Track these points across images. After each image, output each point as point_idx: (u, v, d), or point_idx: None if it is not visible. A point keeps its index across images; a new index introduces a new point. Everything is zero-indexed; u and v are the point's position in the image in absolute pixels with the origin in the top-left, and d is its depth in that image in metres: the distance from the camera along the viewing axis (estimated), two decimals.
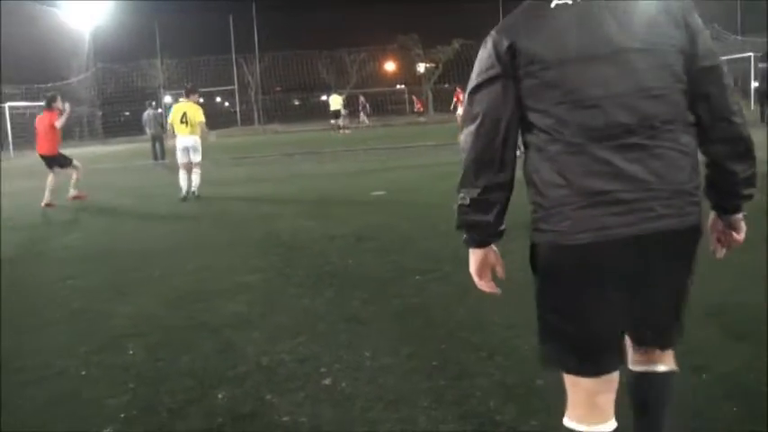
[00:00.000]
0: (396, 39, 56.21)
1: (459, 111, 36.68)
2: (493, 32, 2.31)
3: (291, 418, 3.70)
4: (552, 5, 2.24)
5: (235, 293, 6.16)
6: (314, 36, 51.94)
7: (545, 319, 2.36)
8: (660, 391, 2.56)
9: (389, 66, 60.82)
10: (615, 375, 2.33)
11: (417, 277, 6.27)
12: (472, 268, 2.45)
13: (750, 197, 2.39)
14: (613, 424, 2.32)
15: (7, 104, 39.40)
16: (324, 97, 31.60)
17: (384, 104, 55.35)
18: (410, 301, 5.64)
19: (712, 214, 2.47)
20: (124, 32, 51.67)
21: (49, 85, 44.69)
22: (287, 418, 3.70)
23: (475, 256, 2.43)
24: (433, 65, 55.99)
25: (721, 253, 2.52)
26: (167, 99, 45.82)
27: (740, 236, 2.48)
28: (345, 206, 10.99)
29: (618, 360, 2.35)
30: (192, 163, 13.20)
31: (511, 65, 2.22)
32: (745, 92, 31.15)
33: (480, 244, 2.41)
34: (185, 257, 7.82)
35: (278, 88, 57.84)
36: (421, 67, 56.59)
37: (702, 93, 2.27)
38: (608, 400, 2.33)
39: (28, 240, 9.68)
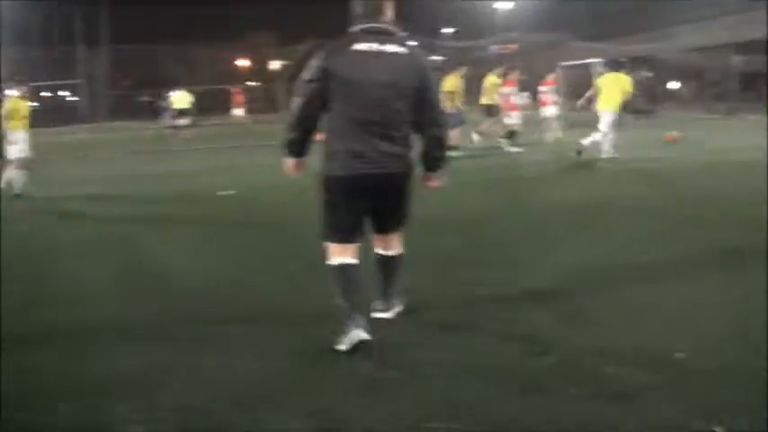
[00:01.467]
0: (251, 36, 55.49)
1: (235, 111, 35.93)
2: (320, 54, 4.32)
3: None
4: (351, 49, 4.25)
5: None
6: (167, 30, 50.39)
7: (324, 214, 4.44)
8: (391, 264, 4.72)
9: (243, 63, 59.74)
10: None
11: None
12: (287, 166, 4.58)
13: (439, 167, 4.62)
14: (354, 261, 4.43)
15: None
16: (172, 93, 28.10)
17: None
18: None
19: (421, 171, 4.60)
20: None
21: None
22: None
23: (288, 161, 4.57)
24: (291, 62, 55.50)
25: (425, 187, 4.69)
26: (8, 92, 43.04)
27: (435, 183, 4.71)
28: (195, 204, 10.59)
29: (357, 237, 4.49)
30: (20, 159, 12.31)
31: (324, 76, 4.25)
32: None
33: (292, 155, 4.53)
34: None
35: (127, 83, 55.79)
36: (276, 65, 56.01)
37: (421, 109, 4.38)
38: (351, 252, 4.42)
39: None
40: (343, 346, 4.25)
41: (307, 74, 4.30)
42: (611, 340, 4.41)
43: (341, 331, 4.30)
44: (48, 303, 5.69)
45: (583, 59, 33.04)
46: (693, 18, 41.19)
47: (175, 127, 26.86)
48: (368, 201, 4.39)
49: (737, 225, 7.57)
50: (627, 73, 14.99)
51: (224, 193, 11.71)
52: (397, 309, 4.88)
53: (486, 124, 18.00)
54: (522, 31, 49.08)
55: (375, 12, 4.33)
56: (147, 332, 4.91)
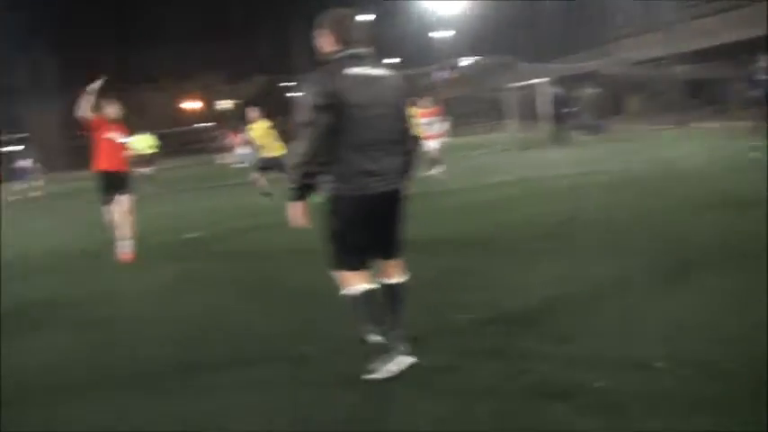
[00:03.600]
0: (197, 76, 55.33)
1: (239, 150, 35.11)
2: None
3: None
4: (348, 73, 4.25)
5: None
6: (111, 73, 49.96)
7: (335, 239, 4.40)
8: (400, 293, 4.59)
9: (191, 104, 59.33)
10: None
11: None
12: (294, 213, 4.35)
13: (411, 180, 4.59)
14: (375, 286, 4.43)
15: None
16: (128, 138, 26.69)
17: (187, 144, 53.44)
18: None
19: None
20: None
21: None
22: None
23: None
24: (239, 101, 55.40)
25: None
26: None
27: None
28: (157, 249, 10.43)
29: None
30: None
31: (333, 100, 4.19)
32: (533, 115, 32.78)
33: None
34: None
35: (78, 132, 55.02)
36: (226, 104, 55.86)
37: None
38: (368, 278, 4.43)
39: None
40: (379, 375, 4.28)
41: (313, 101, 4.19)
42: (592, 354, 4.46)
43: (377, 359, 4.32)
44: None
45: (531, 80, 33.47)
46: (633, 32, 42.17)
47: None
48: (379, 220, 4.43)
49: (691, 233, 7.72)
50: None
51: (190, 235, 11.60)
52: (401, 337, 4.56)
53: None
54: (468, 56, 49.65)
55: (356, 38, 4.41)
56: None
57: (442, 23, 54.04)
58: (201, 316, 6.41)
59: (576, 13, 48.35)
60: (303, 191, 4.28)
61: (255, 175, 15.81)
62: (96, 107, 9.68)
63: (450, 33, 55.20)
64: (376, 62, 4.45)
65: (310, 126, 4.17)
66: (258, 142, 15.63)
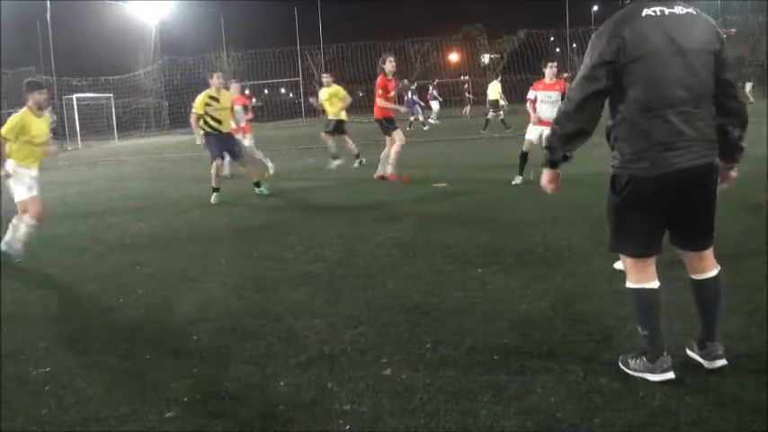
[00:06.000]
0: (460, 29, 55.69)
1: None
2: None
3: (352, 407, 3.68)
4: (642, 16, 3.56)
5: (298, 283, 6.18)
6: (377, 27, 51.86)
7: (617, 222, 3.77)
8: (713, 289, 3.85)
9: (453, 56, 59.95)
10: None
11: (479, 270, 6.21)
12: (547, 179, 3.91)
13: (741, 151, 3.82)
14: (656, 284, 3.76)
15: (75, 96, 40.32)
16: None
17: (449, 95, 54.39)
18: (472, 294, 5.57)
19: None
20: (189, 25, 52.37)
21: (116, 77, 45.74)
22: (347, 407, 3.69)
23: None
24: (498, 56, 55.32)
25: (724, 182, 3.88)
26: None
27: (734, 174, 3.91)
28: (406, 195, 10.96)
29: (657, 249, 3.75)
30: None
31: (618, 51, 3.55)
32: None
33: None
34: (250, 245, 7.89)
35: (341, 80, 57.62)
36: (485, 58, 55.90)
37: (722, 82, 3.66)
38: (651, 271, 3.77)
39: (95, 228, 9.88)
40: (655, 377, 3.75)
41: (595, 51, 3.62)
42: None
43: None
44: None
45: None
46: None
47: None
48: (678, 204, 3.69)
49: None
50: None
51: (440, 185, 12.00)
52: (720, 350, 3.87)
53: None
54: None
55: None
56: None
57: None
58: None
59: None
60: (559, 153, 3.79)
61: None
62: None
63: None
64: (676, 1, 3.66)
65: (584, 80, 3.65)
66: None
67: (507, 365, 4.09)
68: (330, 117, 15.50)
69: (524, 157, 11.43)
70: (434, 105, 36.18)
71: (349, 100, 15.66)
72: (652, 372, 3.75)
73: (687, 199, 3.66)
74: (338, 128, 15.58)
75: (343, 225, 8.75)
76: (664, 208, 3.66)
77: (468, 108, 41.43)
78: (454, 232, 7.91)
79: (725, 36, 3.74)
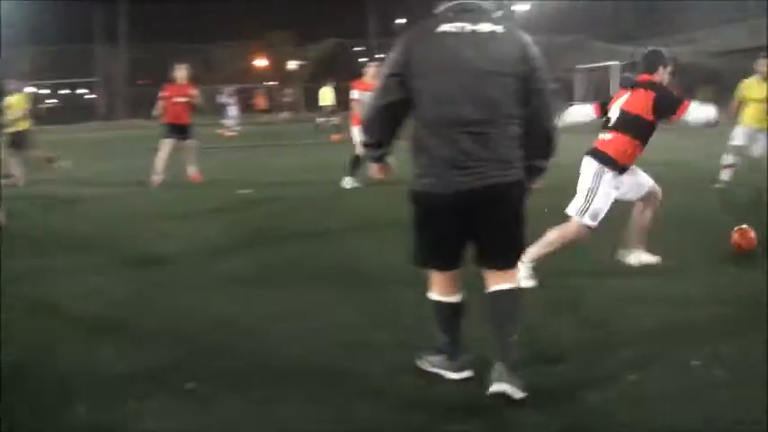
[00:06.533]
0: (267, 34, 55.14)
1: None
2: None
3: None
4: (437, 32, 3.52)
5: None
6: (183, 28, 50.45)
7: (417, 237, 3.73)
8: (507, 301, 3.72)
9: (260, 62, 59.30)
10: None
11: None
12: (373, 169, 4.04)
13: (543, 170, 3.79)
14: (458, 297, 3.80)
15: None
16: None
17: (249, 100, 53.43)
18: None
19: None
20: None
21: None
22: None
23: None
24: (305, 62, 55.18)
25: None
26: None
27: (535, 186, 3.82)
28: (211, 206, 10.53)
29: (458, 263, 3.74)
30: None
31: (405, 67, 3.55)
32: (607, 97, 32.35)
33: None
34: None
35: (144, 81, 55.66)
36: (293, 65, 55.68)
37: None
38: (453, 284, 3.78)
39: None
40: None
41: (386, 66, 3.65)
42: None
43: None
44: None
45: (602, 62, 32.96)
46: (713, 22, 41.03)
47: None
48: (472, 223, 3.62)
49: None
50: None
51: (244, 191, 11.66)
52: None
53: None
54: (540, 33, 48.70)
55: None
56: None
57: None
58: None
59: None
60: (378, 157, 3.89)
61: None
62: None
63: (525, 7, 53.85)
64: (486, 16, 3.57)
65: (375, 95, 3.69)
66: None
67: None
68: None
69: (356, 159, 11.29)
70: (231, 111, 35.52)
71: None
72: (450, 369, 3.84)
73: (483, 218, 3.60)
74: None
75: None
76: (457, 225, 3.61)
77: (285, 113, 41.04)
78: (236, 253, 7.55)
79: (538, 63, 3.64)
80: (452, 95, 3.46)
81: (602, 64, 33.42)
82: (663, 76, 5.85)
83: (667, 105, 5.64)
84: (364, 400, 3.73)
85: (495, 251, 3.70)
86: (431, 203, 3.60)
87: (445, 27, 3.52)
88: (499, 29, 3.53)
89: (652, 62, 5.90)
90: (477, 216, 3.59)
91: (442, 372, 3.86)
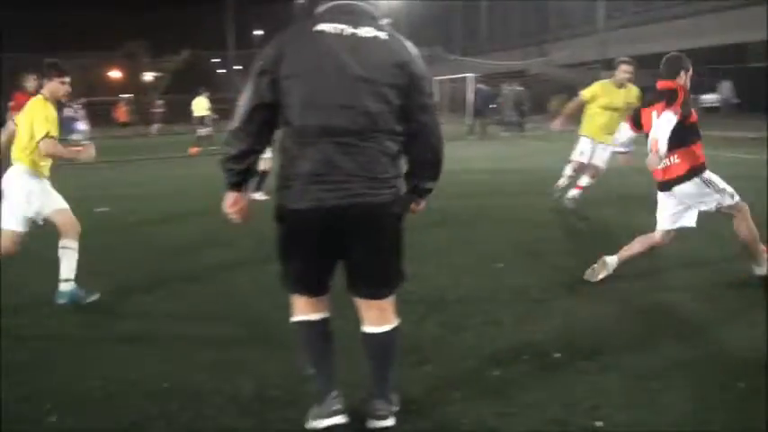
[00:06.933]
0: (122, 45, 53.52)
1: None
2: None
3: None
4: (313, 30, 3.19)
5: None
6: (33, 37, 48.23)
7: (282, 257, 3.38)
8: (383, 343, 3.46)
9: (115, 73, 57.33)
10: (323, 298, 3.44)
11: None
12: (229, 202, 3.38)
13: (428, 190, 3.50)
14: (324, 315, 3.46)
15: None
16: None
17: (107, 114, 51.48)
18: None
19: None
20: None
21: None
22: None
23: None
24: (161, 74, 53.79)
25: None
26: None
27: (418, 209, 3.54)
28: None
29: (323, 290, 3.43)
30: None
31: (276, 67, 3.18)
32: (461, 109, 33.23)
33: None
34: None
35: None
36: (149, 76, 54.17)
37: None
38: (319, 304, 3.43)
39: None
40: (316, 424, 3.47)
41: (256, 63, 3.26)
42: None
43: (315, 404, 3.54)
44: None
45: (458, 74, 33.96)
46: (567, 36, 42.97)
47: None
48: (337, 244, 3.28)
49: None
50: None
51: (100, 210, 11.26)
52: (395, 407, 3.57)
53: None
54: None
55: None
56: None
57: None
58: None
59: (512, 10, 49.02)
60: (235, 177, 3.33)
61: None
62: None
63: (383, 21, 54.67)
64: (369, 20, 3.27)
65: (244, 98, 3.26)
66: None
67: None
68: None
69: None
70: (80, 125, 34.01)
71: None
72: (320, 417, 3.44)
73: (350, 240, 3.24)
74: None
75: None
76: (321, 246, 3.27)
77: (156, 126, 39.73)
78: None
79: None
80: (323, 101, 3.11)
81: (458, 75, 34.32)
82: (685, 81, 5.74)
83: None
84: None
85: (363, 278, 3.34)
86: (292, 219, 3.22)
87: (323, 26, 3.18)
88: (383, 35, 3.22)
89: (674, 67, 5.79)
90: (344, 238, 3.23)
91: (315, 423, 3.46)
